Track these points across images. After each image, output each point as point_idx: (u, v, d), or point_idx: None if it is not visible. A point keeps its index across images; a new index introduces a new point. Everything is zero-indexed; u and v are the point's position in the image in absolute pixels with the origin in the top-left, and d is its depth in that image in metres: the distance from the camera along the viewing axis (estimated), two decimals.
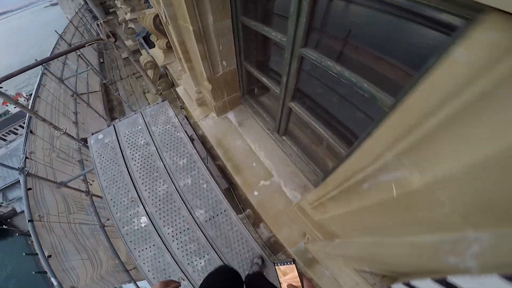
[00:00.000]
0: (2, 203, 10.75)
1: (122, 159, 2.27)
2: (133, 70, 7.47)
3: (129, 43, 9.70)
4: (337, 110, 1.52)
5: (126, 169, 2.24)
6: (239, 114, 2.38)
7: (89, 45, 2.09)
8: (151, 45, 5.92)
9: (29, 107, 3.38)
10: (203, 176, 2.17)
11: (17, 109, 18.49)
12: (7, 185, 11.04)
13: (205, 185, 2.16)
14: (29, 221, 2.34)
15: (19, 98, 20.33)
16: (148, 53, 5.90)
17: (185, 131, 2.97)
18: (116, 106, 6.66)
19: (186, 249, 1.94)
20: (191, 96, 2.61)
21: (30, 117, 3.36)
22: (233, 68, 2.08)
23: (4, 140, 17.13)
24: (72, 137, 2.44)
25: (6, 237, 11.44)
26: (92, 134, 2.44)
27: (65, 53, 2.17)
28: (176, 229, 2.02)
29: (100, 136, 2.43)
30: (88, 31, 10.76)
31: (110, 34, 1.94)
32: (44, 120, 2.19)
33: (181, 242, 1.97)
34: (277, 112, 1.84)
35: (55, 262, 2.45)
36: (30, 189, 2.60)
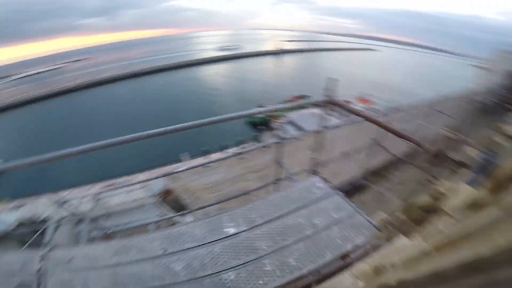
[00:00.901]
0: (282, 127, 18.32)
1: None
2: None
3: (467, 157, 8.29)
4: None
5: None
6: None
7: (407, 140, 1.87)
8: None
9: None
10: None
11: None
12: (299, 124, 18.92)
13: None
14: (277, 142, 2.81)
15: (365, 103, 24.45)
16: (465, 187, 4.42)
17: None
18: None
19: None
20: None
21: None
22: None
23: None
24: (316, 164, 2.68)
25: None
26: (325, 183, 2.34)
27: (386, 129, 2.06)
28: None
29: (320, 185, 2.27)
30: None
31: (438, 152, 1.84)
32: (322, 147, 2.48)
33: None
34: None
35: None
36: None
